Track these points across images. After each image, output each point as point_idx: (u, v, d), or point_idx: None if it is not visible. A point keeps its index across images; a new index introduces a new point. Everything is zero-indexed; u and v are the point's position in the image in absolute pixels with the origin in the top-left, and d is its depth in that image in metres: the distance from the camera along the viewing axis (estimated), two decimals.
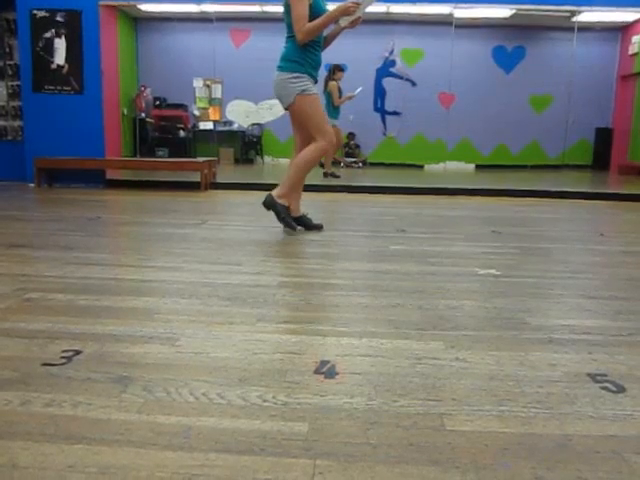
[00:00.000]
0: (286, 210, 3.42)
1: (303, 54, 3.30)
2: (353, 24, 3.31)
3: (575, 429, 1.14)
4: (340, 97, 7.65)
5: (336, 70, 7.74)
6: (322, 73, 7.49)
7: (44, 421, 1.12)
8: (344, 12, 3.25)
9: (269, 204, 3.39)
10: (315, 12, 3.23)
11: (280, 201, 3.39)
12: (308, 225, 3.57)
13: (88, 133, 6.34)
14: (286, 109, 3.42)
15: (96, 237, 3.27)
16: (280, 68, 3.33)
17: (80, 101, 6.28)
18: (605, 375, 1.40)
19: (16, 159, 6.49)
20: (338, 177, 7.57)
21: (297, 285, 2.24)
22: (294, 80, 3.29)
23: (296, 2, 3.19)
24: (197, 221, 3.86)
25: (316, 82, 3.45)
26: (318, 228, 3.58)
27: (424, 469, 0.99)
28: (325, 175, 7.54)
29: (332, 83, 7.59)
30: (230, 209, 4.95)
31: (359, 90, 7.86)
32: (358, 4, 3.24)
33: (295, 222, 3.49)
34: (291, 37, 3.31)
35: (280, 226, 3.49)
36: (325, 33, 3.42)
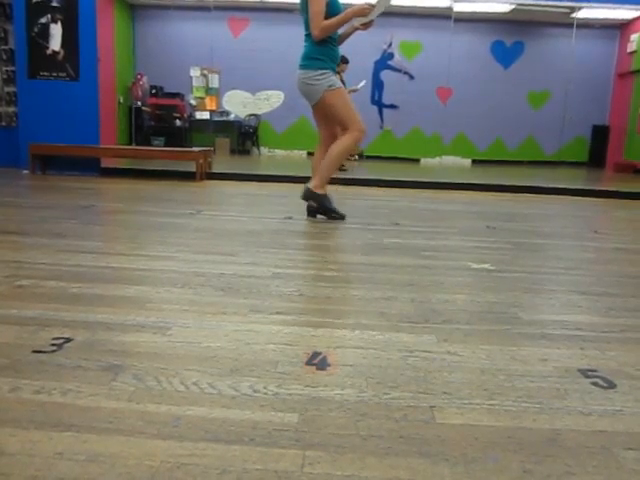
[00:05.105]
0: (328, 198, 3.50)
1: (324, 50, 3.37)
2: (366, 26, 3.38)
3: (565, 424, 1.14)
4: None
5: (340, 62, 7.62)
6: None
7: (33, 408, 1.12)
8: (359, 13, 3.32)
9: (308, 196, 3.49)
10: (332, 10, 3.28)
11: (319, 191, 3.47)
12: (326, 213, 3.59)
13: (83, 120, 6.28)
14: (313, 106, 3.44)
15: (89, 225, 3.25)
16: (304, 66, 3.38)
17: (76, 88, 6.22)
18: (596, 371, 1.41)
19: (10, 145, 6.43)
20: (345, 170, 7.57)
21: (290, 276, 2.24)
22: (320, 77, 3.34)
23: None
24: (192, 211, 3.84)
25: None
26: (341, 217, 3.58)
27: (413, 461, 0.99)
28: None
29: None
30: (225, 199, 4.93)
31: (363, 83, 7.81)
32: (373, 6, 3.29)
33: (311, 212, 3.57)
34: (309, 34, 3.35)
35: (274, 217, 3.48)
36: (340, 31, 3.47)
